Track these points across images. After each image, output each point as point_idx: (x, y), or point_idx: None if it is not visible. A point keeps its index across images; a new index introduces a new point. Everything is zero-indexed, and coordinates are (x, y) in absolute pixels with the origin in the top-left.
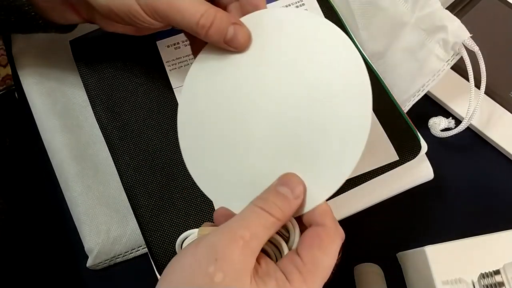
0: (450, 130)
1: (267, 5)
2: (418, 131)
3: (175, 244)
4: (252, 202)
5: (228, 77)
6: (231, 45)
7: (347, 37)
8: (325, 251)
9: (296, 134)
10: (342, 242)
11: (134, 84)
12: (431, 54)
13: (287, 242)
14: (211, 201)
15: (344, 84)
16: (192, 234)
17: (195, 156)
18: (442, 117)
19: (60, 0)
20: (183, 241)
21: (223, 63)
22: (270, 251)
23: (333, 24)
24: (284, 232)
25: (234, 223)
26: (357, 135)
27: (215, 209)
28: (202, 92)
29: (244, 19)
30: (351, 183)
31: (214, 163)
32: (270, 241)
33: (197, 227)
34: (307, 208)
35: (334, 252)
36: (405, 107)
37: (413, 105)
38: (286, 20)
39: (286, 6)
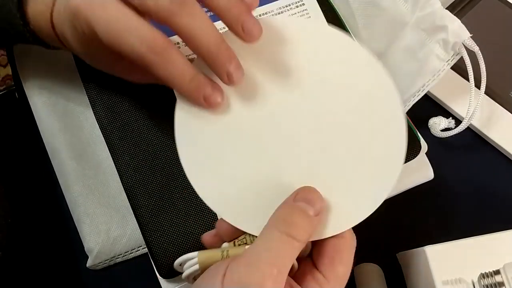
0: (450, 130)
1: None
2: (418, 131)
3: (175, 244)
4: (274, 224)
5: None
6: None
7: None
8: (346, 264)
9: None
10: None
11: (134, 84)
12: (431, 54)
13: None
14: None
15: (379, 116)
16: (191, 259)
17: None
18: (442, 117)
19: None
20: (182, 262)
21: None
22: None
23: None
24: None
25: (262, 258)
26: (393, 158)
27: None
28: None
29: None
30: None
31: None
32: None
33: (197, 227)
34: (330, 232)
35: (351, 261)
36: (405, 107)
37: (413, 105)
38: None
39: (286, 7)
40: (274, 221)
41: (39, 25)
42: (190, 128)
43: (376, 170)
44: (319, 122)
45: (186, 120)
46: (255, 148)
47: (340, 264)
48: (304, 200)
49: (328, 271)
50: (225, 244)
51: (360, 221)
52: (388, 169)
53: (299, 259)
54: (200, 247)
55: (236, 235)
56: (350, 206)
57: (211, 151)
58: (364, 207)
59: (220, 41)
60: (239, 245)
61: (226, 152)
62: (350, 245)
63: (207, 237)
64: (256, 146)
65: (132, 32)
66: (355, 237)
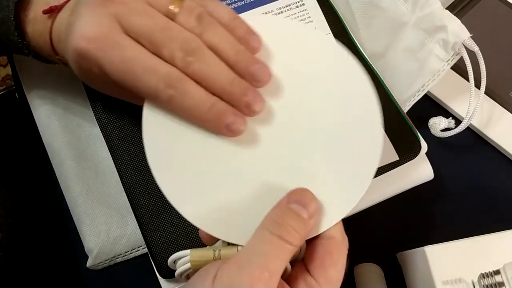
0: (450, 130)
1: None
2: (418, 131)
3: (175, 244)
4: (266, 226)
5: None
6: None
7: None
8: (337, 266)
9: (304, 157)
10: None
11: None
12: (431, 54)
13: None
14: None
15: (352, 96)
16: (184, 257)
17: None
18: (442, 117)
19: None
20: (175, 260)
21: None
22: None
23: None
24: None
25: (253, 261)
26: (370, 149)
27: None
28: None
29: None
30: None
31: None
32: None
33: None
34: (323, 228)
35: (344, 264)
36: (405, 107)
37: (413, 105)
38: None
39: (286, 7)
40: (267, 223)
41: (39, 47)
42: (162, 137)
43: (357, 163)
44: (296, 123)
45: (156, 128)
46: (232, 157)
47: (331, 266)
48: (298, 202)
49: (319, 274)
50: (218, 243)
51: (343, 215)
52: (368, 159)
53: (292, 261)
54: (199, 247)
55: None
56: (334, 201)
57: (186, 162)
58: (347, 200)
59: (232, 78)
60: (233, 244)
61: (202, 163)
62: (340, 246)
63: (204, 232)
64: (234, 155)
65: (149, 71)
66: (346, 239)
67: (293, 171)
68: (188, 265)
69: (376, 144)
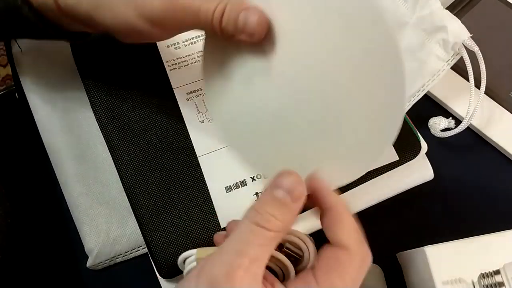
0: (450, 130)
1: None
2: (418, 131)
3: (175, 244)
4: (246, 215)
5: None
6: (243, 34)
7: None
8: (344, 277)
9: (321, 108)
10: (368, 266)
11: (134, 84)
12: (431, 54)
13: (301, 261)
14: (211, 201)
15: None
16: (191, 255)
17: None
18: (442, 117)
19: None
20: (185, 259)
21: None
22: (279, 270)
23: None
24: (297, 251)
25: (230, 249)
26: (391, 116)
27: (219, 221)
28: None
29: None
30: (351, 183)
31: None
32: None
33: (197, 227)
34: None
35: (354, 280)
36: (405, 107)
37: (413, 105)
38: None
39: None
40: (248, 213)
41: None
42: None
43: (374, 124)
44: (320, 82)
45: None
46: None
47: (337, 276)
48: (281, 186)
49: (322, 279)
50: None
51: (347, 181)
52: (386, 123)
53: (299, 270)
54: (199, 247)
55: None
56: (341, 165)
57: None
58: (356, 166)
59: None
60: None
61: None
62: (354, 259)
63: (218, 237)
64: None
65: None
66: (366, 253)
67: (317, 122)
68: (195, 263)
69: (400, 107)
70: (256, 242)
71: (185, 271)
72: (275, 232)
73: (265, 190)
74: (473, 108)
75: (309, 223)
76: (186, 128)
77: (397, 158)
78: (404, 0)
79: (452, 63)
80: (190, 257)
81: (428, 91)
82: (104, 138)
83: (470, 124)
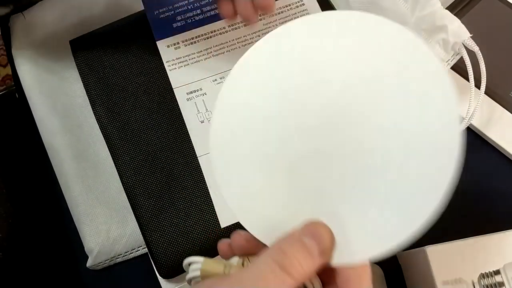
0: None
1: None
2: None
3: (175, 244)
4: (270, 253)
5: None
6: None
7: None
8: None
9: (354, 166)
10: None
11: (134, 84)
12: None
13: None
14: (211, 201)
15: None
16: (197, 262)
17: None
18: None
19: None
20: (190, 263)
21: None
22: None
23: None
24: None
25: (244, 279)
26: (434, 189)
27: (219, 221)
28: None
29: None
30: None
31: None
32: None
33: (196, 228)
34: (337, 261)
35: None
36: None
37: None
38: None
39: (286, 7)
40: (272, 251)
41: None
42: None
43: (419, 188)
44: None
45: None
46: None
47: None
48: (312, 236)
49: None
50: (234, 259)
51: (372, 256)
52: (433, 186)
53: None
54: (199, 247)
55: (248, 252)
56: (367, 235)
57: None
58: (386, 239)
59: None
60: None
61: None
62: (361, 275)
63: (222, 245)
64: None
65: None
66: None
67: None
68: (198, 272)
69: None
70: (274, 284)
71: (188, 276)
72: (295, 280)
73: (290, 234)
74: (473, 108)
75: None
76: (186, 128)
77: None
78: (404, 0)
79: (452, 63)
80: (196, 264)
81: None
82: (104, 138)
83: (470, 124)
